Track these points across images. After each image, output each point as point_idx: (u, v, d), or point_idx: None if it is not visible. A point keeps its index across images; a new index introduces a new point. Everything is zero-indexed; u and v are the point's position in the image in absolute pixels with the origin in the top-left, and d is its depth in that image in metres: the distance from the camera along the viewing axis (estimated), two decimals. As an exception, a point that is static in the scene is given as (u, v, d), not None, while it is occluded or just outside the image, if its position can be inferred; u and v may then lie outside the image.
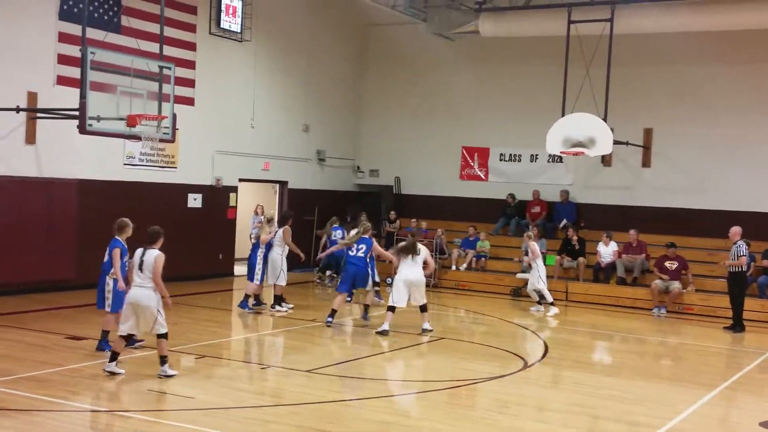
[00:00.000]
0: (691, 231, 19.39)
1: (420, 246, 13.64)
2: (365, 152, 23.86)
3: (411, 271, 13.35)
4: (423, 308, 13.58)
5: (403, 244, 14.09)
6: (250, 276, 15.03)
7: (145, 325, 9.68)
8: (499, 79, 21.99)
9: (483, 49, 21.71)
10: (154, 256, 9.61)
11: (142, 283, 9.61)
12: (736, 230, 15.74)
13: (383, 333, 13.14)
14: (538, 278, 16.63)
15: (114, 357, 9.68)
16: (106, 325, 10.90)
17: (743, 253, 15.39)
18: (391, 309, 13.37)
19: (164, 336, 9.71)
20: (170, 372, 9.68)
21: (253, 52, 20.21)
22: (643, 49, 19.71)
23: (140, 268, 9.62)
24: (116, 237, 10.69)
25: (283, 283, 15.04)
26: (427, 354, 12.63)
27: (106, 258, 10.76)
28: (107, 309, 10.82)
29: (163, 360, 9.68)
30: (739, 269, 15.48)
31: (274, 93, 21.09)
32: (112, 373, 9.58)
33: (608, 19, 17.61)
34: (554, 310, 16.61)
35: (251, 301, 15.07)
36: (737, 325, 15.55)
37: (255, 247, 15.09)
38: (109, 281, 10.76)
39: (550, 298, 16.73)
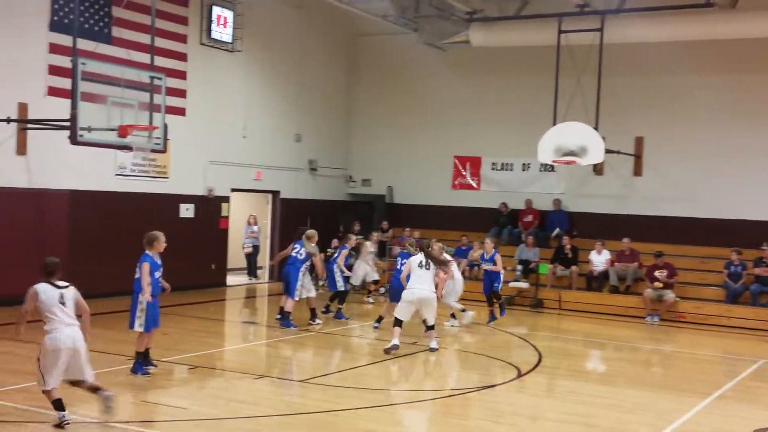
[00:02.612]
0: (683, 239, 19.43)
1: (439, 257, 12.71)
2: (357, 162, 23.85)
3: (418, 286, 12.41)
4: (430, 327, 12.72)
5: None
6: (291, 292, 14.40)
7: (80, 368, 8.10)
8: (490, 88, 22.02)
9: (474, 59, 21.74)
10: (74, 291, 8.19)
11: (71, 321, 8.06)
12: None
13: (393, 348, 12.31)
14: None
15: (60, 405, 7.99)
16: (138, 346, 10.33)
17: None
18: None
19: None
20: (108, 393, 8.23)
21: (245, 62, 20.21)
22: (633, 58, 19.76)
23: (63, 302, 8.06)
24: (146, 252, 10.12)
25: (314, 295, 14.89)
26: (420, 363, 12.59)
27: (137, 275, 10.08)
28: (139, 329, 10.14)
29: (96, 389, 8.27)
30: None
31: (265, 102, 21.08)
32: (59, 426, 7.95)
33: (598, 29, 17.66)
34: (470, 314, 15.68)
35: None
36: None
37: (299, 263, 14.44)
38: (142, 299, 10.07)
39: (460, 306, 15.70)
